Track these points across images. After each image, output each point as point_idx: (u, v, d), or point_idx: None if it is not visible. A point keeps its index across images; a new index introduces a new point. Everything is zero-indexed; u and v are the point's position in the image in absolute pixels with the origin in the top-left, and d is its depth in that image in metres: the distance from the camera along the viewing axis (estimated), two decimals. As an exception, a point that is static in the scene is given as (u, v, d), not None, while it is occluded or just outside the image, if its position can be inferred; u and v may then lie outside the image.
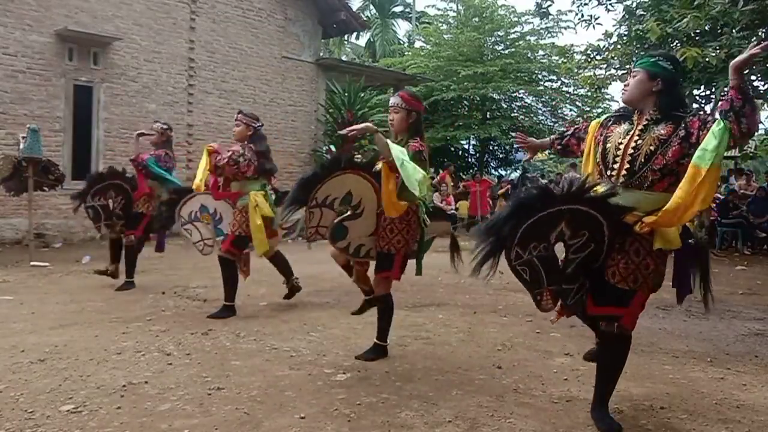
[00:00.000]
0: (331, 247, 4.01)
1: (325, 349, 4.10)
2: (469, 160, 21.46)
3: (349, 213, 3.92)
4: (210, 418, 2.89)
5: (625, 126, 2.93)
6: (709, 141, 2.57)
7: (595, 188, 2.84)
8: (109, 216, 6.28)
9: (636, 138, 2.84)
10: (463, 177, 18.22)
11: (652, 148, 2.77)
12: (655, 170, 2.76)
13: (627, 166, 2.82)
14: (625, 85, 3.00)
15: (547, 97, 19.11)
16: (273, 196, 5.25)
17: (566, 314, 3.03)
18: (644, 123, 2.86)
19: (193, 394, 3.19)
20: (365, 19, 21.79)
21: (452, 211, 13.48)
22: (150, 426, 2.79)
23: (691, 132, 2.72)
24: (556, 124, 19.67)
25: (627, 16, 8.86)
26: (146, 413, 2.93)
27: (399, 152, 3.50)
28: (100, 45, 10.50)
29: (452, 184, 15.29)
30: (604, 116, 3.19)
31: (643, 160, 2.79)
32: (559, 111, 19.38)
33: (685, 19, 6.82)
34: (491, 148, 21.03)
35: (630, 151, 2.83)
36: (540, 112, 20.05)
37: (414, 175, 3.45)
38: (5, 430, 2.72)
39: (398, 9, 30.25)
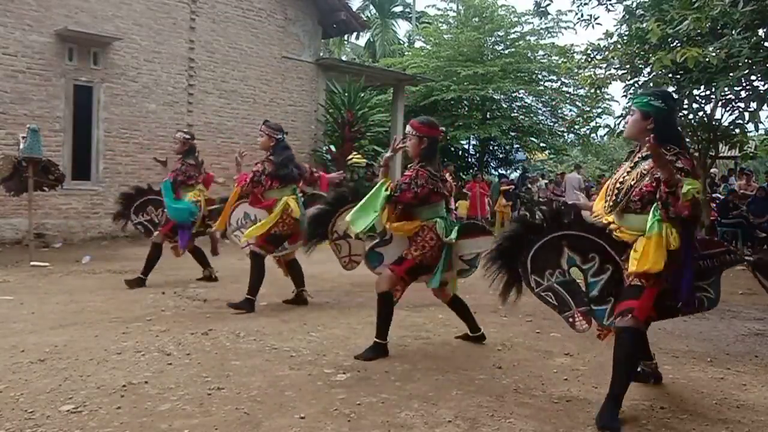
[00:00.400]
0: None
1: (325, 349, 4.10)
2: (469, 160, 21.44)
3: (377, 240, 4.16)
4: (210, 418, 2.89)
5: (626, 164, 3.32)
6: (651, 215, 2.98)
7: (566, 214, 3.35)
8: (157, 228, 6.69)
9: (625, 174, 3.21)
10: (463, 177, 18.20)
11: (632, 182, 3.12)
12: (635, 200, 3.08)
13: (613, 197, 3.20)
14: (625, 122, 3.38)
15: (547, 97, 19.08)
16: (302, 200, 5.50)
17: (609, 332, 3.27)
18: (635, 160, 3.21)
19: (193, 394, 3.19)
20: (365, 19, 21.77)
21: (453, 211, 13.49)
22: (150, 426, 2.79)
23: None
24: (556, 124, 19.66)
25: (627, 16, 8.86)
26: (146, 413, 2.93)
27: (373, 194, 3.94)
28: (100, 45, 10.50)
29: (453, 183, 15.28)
30: None
31: (624, 191, 3.14)
32: (559, 111, 19.36)
33: (686, 21, 6.82)
34: (491, 148, 21.02)
35: (617, 185, 3.21)
36: (540, 112, 20.02)
37: (355, 215, 3.94)
38: (5, 430, 2.72)
39: (398, 9, 30.22)
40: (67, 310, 5.19)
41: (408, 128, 4.10)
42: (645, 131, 3.12)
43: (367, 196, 3.98)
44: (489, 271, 3.43)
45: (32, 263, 7.65)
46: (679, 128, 3.39)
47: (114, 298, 5.70)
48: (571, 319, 3.27)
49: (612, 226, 3.20)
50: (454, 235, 4.00)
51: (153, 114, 11.20)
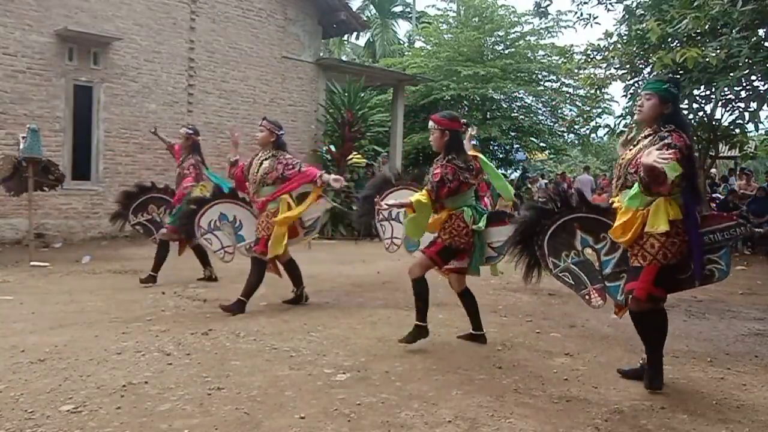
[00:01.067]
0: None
1: (325, 349, 4.10)
2: (469, 160, 21.40)
3: None
4: (210, 418, 2.89)
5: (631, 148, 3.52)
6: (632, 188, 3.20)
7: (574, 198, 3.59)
8: (159, 227, 6.73)
9: (627, 153, 3.40)
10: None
11: (630, 156, 3.31)
12: (632, 173, 3.24)
13: (618, 174, 3.40)
14: (639, 106, 3.43)
15: (547, 97, 19.08)
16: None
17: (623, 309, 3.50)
18: (639, 139, 3.38)
19: (193, 394, 3.19)
20: (365, 19, 21.77)
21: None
22: (150, 426, 2.79)
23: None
24: (556, 124, 19.65)
25: (627, 16, 8.86)
26: (146, 413, 2.93)
27: (419, 210, 4.19)
28: (100, 45, 10.50)
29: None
30: None
31: (624, 167, 3.34)
32: (559, 111, 19.35)
33: (685, 21, 6.82)
34: (491, 148, 21.01)
35: (621, 162, 3.41)
36: (540, 112, 20.01)
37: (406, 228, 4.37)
38: (5, 430, 2.72)
39: (398, 9, 30.20)
40: (67, 310, 5.19)
41: (430, 123, 4.28)
42: (662, 115, 3.29)
43: (408, 218, 4.26)
44: (512, 255, 3.74)
45: (32, 263, 7.65)
46: (683, 112, 3.71)
47: (114, 298, 5.70)
48: (587, 297, 3.49)
49: (616, 204, 3.38)
50: (482, 222, 4.16)
51: (153, 114, 11.19)
